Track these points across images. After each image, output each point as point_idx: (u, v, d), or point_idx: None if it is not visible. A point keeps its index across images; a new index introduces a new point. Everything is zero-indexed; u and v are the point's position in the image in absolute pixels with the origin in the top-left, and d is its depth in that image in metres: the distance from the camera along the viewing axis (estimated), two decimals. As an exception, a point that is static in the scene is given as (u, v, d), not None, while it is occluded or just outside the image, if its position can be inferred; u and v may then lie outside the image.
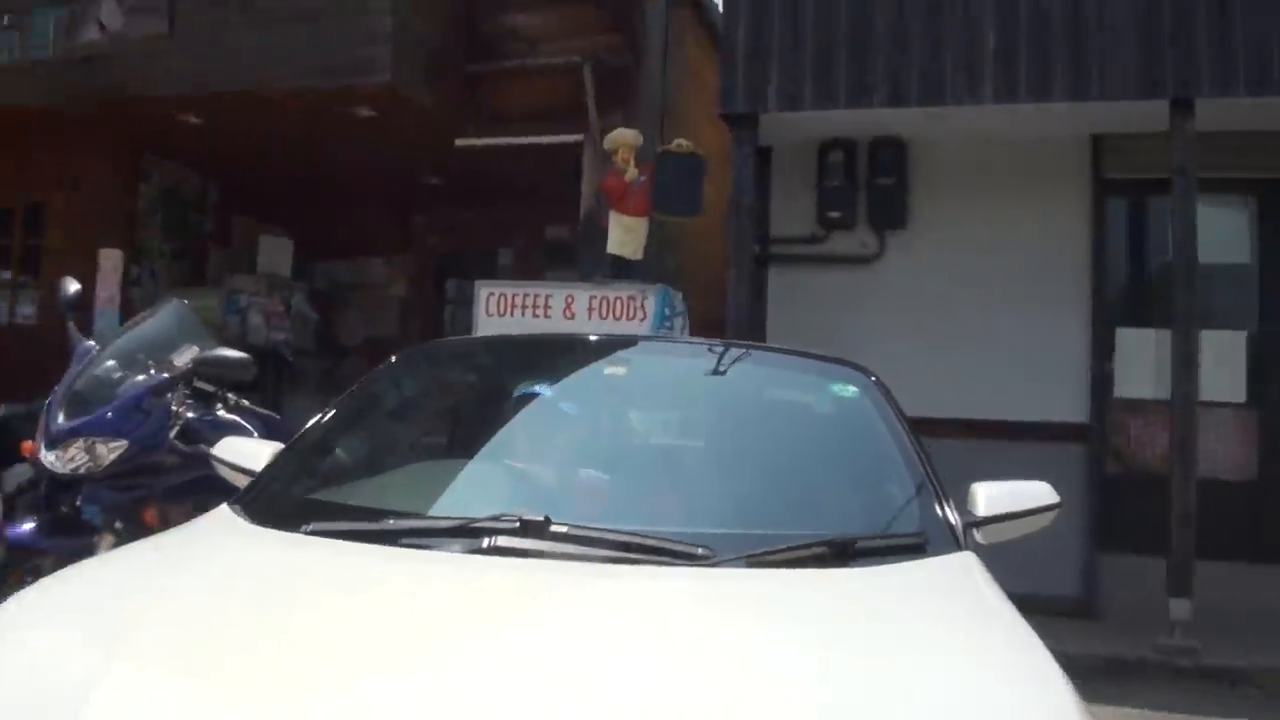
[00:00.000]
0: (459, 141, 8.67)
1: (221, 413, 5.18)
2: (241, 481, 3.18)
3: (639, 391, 3.42)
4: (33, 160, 9.98)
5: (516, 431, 3.28)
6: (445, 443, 3.42)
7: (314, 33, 7.94)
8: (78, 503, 4.94)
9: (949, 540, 2.68)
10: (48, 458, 4.72)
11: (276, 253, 11.02)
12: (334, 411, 3.32)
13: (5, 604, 2.28)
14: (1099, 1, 7.13)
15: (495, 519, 2.41)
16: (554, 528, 2.38)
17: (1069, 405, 8.26)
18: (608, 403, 3.41)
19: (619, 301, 7.25)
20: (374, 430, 3.53)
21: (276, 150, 9.73)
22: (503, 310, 7.48)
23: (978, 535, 2.81)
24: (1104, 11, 7.11)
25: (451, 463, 3.21)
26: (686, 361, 3.64)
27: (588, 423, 3.41)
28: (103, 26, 8.46)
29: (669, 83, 8.61)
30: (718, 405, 3.42)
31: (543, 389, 3.48)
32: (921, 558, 2.56)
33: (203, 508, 4.97)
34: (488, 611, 2.13)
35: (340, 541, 2.45)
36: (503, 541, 2.34)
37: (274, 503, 2.84)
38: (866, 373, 3.43)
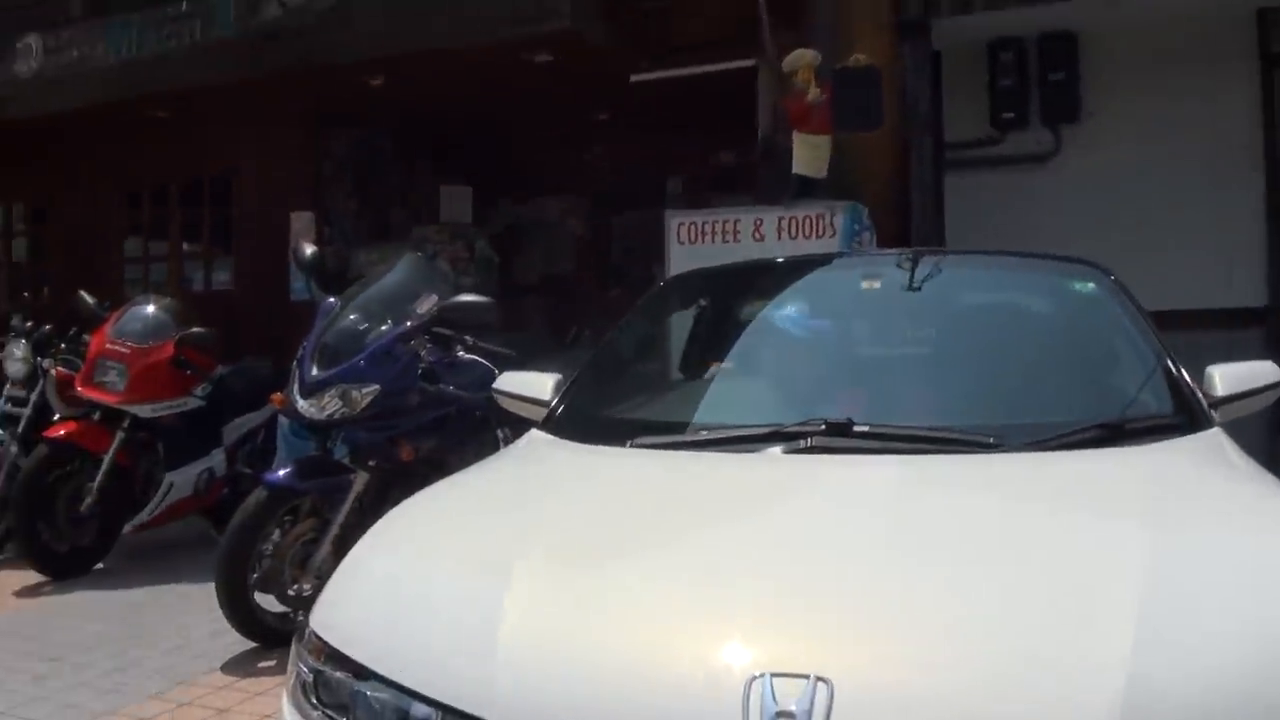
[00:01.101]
0: (634, 77, 8.83)
1: (461, 354, 5.56)
2: (524, 409, 3.48)
3: (897, 301, 3.66)
4: (219, 133, 10.42)
5: (791, 344, 3.58)
6: (721, 360, 3.68)
7: (491, -17, 8.15)
8: (327, 445, 5.41)
9: (1202, 419, 2.91)
10: (304, 406, 5.13)
11: (456, 200, 11.39)
12: (611, 339, 3.65)
13: (408, 503, 2.75)
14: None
15: (804, 424, 2.71)
16: (856, 427, 2.67)
17: (1246, 290, 8.26)
18: (870, 313, 3.68)
19: (808, 220, 7.37)
20: (651, 353, 3.85)
21: (452, 101, 9.98)
22: (693, 238, 7.67)
23: (1217, 414, 3.01)
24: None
25: (735, 378, 3.52)
26: (931, 270, 3.84)
27: (856, 332, 3.68)
28: (283, 3, 8.79)
29: (835, -2, 8.68)
30: (973, 308, 3.69)
31: (808, 305, 3.77)
32: (1181, 436, 2.79)
33: (447, 441, 5.40)
34: (820, 490, 2.51)
35: (667, 451, 2.78)
36: (816, 441, 2.64)
37: (585, 424, 3.14)
38: (1104, 270, 3.64)
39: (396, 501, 5.05)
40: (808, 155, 7.51)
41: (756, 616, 1.92)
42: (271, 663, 4.95)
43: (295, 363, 5.27)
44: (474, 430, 5.64)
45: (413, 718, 1.94)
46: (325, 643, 2.19)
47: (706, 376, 3.63)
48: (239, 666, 4.93)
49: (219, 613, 5.07)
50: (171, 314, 7.36)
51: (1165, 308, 7.61)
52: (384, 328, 5.26)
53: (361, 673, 2.06)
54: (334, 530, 5.08)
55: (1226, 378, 3.10)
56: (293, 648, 2.33)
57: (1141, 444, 2.71)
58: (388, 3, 8.54)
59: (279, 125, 10.25)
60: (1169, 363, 3.13)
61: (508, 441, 5.62)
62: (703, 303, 4.11)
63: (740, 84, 8.68)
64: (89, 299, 7.56)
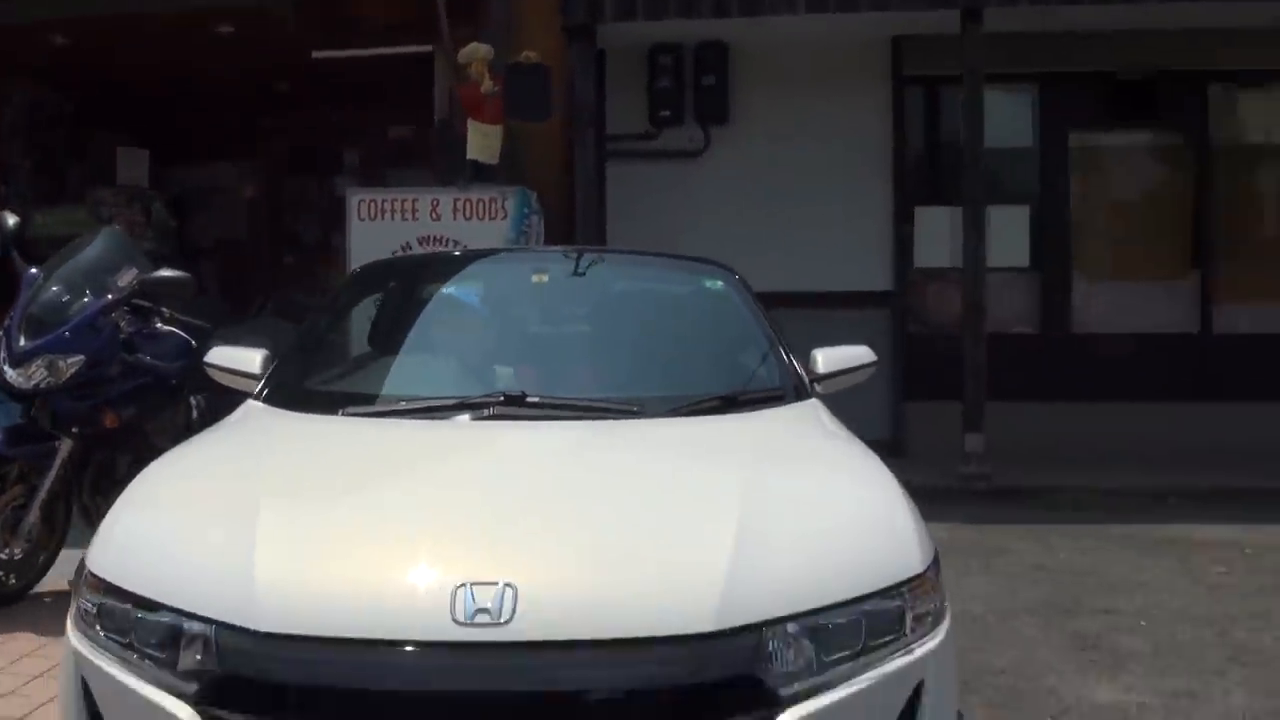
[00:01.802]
0: (316, 54, 9.16)
1: (160, 325, 5.84)
2: (234, 382, 4.00)
3: (560, 292, 4.37)
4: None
5: (472, 327, 4.23)
6: (413, 339, 4.26)
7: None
8: (31, 414, 5.57)
9: (802, 391, 3.74)
10: (12, 375, 5.30)
11: (133, 163, 11.33)
12: (313, 319, 4.16)
13: (156, 464, 3.22)
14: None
15: (487, 396, 3.39)
16: (529, 398, 3.35)
17: (876, 275, 9.48)
18: (538, 301, 4.37)
19: (481, 203, 7.98)
20: (349, 332, 4.38)
21: (133, 65, 10.01)
22: (373, 215, 8.11)
23: (818, 388, 3.84)
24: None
25: (424, 355, 4.10)
26: (591, 267, 4.60)
27: (528, 317, 4.34)
28: None
29: (510, -1, 9.29)
30: (622, 300, 4.43)
31: (485, 293, 4.41)
32: (783, 405, 3.62)
33: (145, 408, 5.66)
34: (502, 448, 3.20)
35: (373, 419, 3.37)
36: (496, 410, 3.31)
37: (297, 395, 3.67)
38: (730, 269, 4.45)
39: (100, 466, 5.36)
40: (481, 142, 8.13)
41: (459, 542, 2.54)
42: None
43: (1, 332, 5.43)
44: (170, 397, 5.90)
45: (188, 633, 2.41)
46: (102, 579, 2.62)
47: (399, 354, 4.18)
48: None
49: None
50: None
51: (804, 289, 8.75)
52: (86, 299, 5.45)
53: (140, 603, 2.51)
54: (41, 495, 5.32)
55: (828, 358, 3.93)
56: (73, 585, 2.76)
57: (753, 411, 3.51)
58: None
59: None
60: (779, 347, 3.94)
61: (199, 409, 5.96)
62: (393, 287, 4.67)
63: (417, 67, 9.15)
64: None
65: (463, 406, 3.39)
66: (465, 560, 2.42)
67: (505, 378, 3.70)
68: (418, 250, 7.79)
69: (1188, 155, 9.59)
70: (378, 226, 8.08)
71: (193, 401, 5.99)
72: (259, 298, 8.77)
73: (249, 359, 3.96)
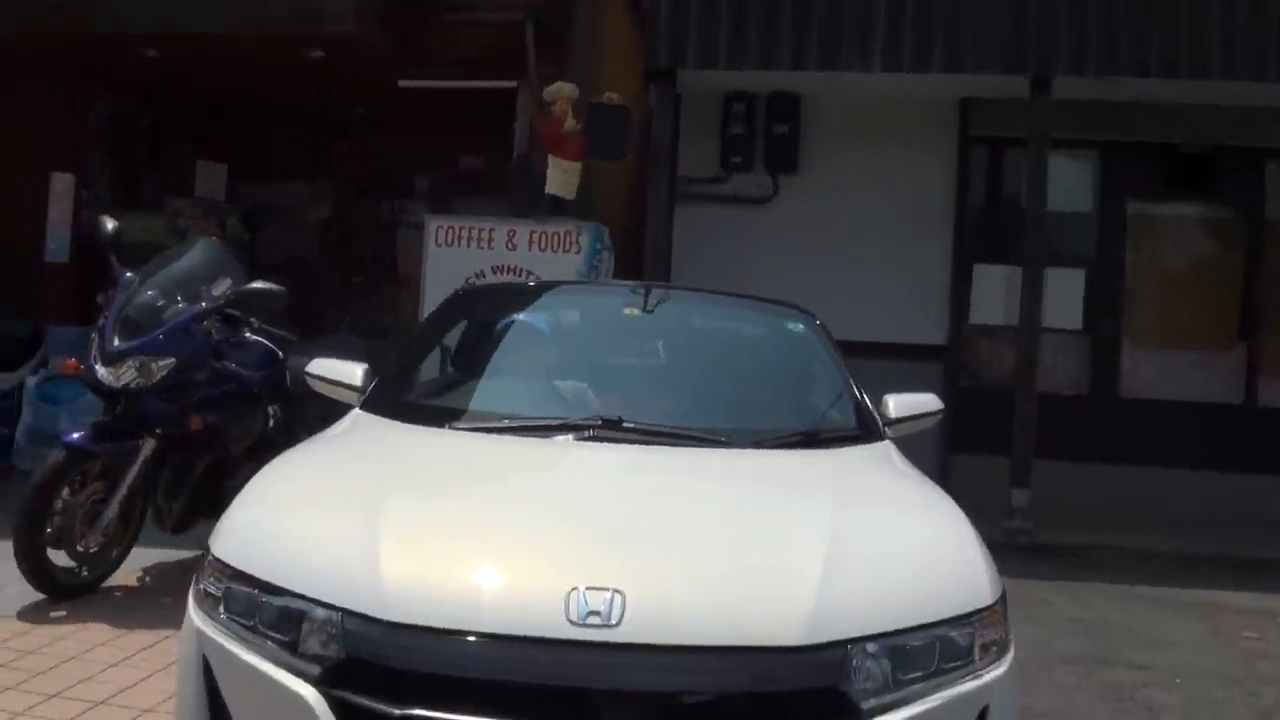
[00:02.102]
0: (403, 83, 9.43)
1: (248, 335, 6.11)
2: (336, 392, 4.25)
3: (652, 327, 4.62)
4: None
5: (570, 354, 4.53)
6: (508, 361, 4.54)
7: (280, -22, 8.51)
8: (116, 412, 5.79)
9: (876, 433, 4.02)
10: (104, 374, 5.55)
11: (211, 177, 11.65)
12: (413, 337, 4.43)
13: (277, 460, 3.48)
14: (974, -13, 8.31)
15: (587, 419, 3.66)
16: (625, 424, 3.62)
17: (932, 329, 9.71)
18: (632, 334, 4.62)
19: (556, 236, 8.22)
20: (449, 351, 4.65)
21: (218, 82, 10.29)
22: (450, 241, 8.37)
23: (889, 431, 4.09)
24: (979, -4, 8.32)
25: (521, 378, 4.38)
26: (679, 305, 4.90)
27: (622, 348, 4.60)
28: None
29: (594, 38, 9.56)
30: (710, 338, 4.72)
31: (577, 322, 4.71)
32: (859, 445, 3.89)
33: (227, 414, 5.91)
34: (603, 468, 3.47)
35: (482, 434, 3.65)
36: (594, 433, 3.58)
37: (402, 407, 3.95)
38: (811, 314, 4.71)
39: (176, 468, 5.62)
40: (560, 178, 8.39)
41: (572, 548, 2.78)
42: (63, 612, 5.32)
43: (95, 331, 5.68)
44: (250, 405, 6.14)
45: (311, 618, 2.63)
46: (228, 565, 2.85)
47: (497, 375, 4.44)
48: (34, 615, 5.27)
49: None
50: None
51: (862, 339, 8.94)
52: (180, 305, 5.73)
53: (265, 587, 2.73)
54: (122, 491, 5.55)
55: (899, 404, 4.26)
56: (199, 570, 2.99)
57: (830, 448, 3.80)
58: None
59: (44, 87, 10.19)
60: (855, 390, 4.23)
61: (276, 418, 6.22)
62: (490, 312, 4.94)
63: (498, 100, 9.43)
64: None
65: (565, 427, 3.65)
66: (578, 566, 2.65)
67: (599, 403, 3.96)
68: (491, 278, 8.05)
69: (1240, 229, 9.78)
70: (453, 253, 8.33)
71: (270, 410, 6.24)
72: (336, 314, 9.04)
73: (351, 371, 4.22)
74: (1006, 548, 7.81)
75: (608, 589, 2.54)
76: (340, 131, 12.29)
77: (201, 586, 2.91)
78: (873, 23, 8.42)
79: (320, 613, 2.63)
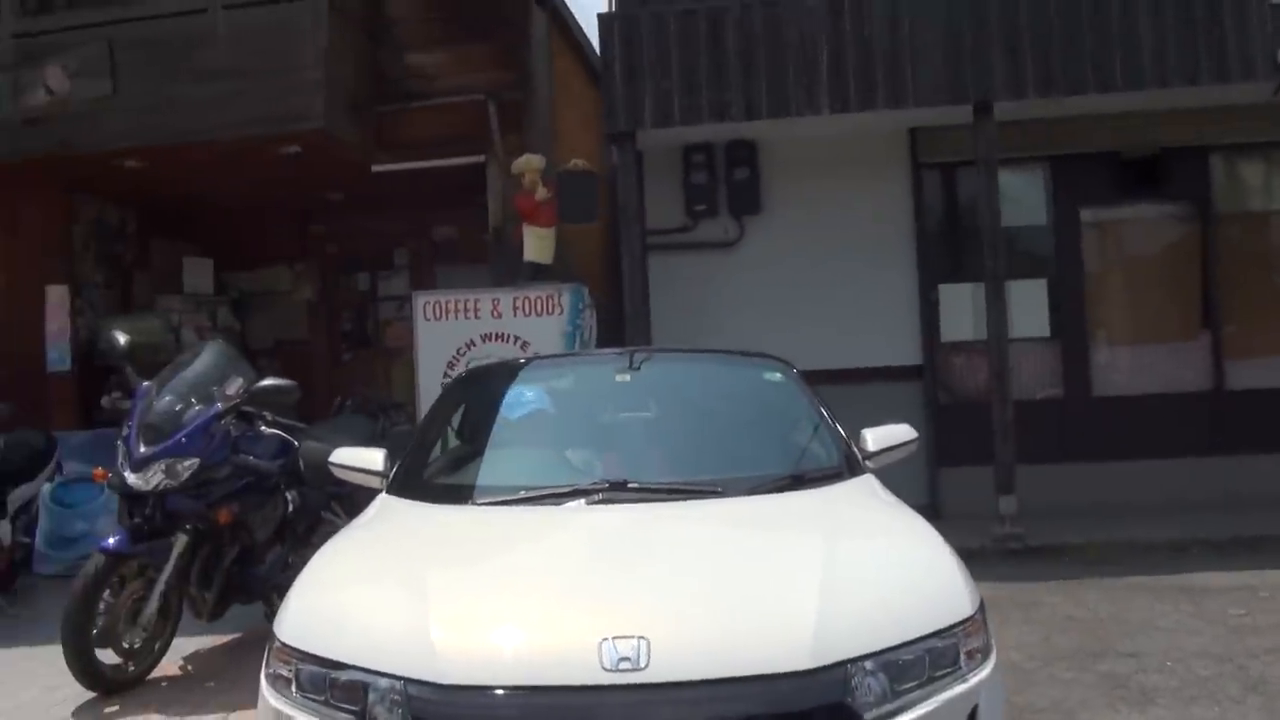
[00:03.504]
0: (375, 167, 9.87)
1: (263, 428, 6.43)
2: (359, 479, 4.60)
3: (641, 391, 4.99)
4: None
5: (572, 423, 4.91)
6: (516, 435, 4.90)
7: (251, 86, 8.90)
8: (147, 513, 6.04)
9: (857, 468, 4.37)
10: (134, 479, 5.87)
11: (199, 272, 12.06)
12: (425, 420, 4.79)
13: (325, 548, 3.83)
14: (911, 27, 8.76)
15: (595, 484, 4.05)
16: (630, 484, 4.01)
17: (905, 350, 10.10)
18: (625, 400, 4.98)
19: (539, 300, 8.58)
20: (460, 430, 5.02)
21: (197, 182, 10.67)
22: (439, 315, 8.71)
23: (869, 464, 4.45)
24: (914, 35, 8.76)
25: (531, 449, 4.73)
26: (665, 366, 5.31)
27: (614, 413, 4.97)
28: (50, 90, 9.20)
29: (552, 106, 9.98)
30: (696, 395, 5.06)
31: (575, 392, 5.08)
32: (842, 481, 4.24)
33: (249, 504, 6.23)
34: (614, 527, 3.83)
35: (502, 507, 4.01)
36: (603, 496, 3.95)
37: (424, 488, 4.34)
38: (787, 363, 5.10)
39: (206, 558, 5.96)
40: (537, 245, 8.80)
41: (599, 602, 3.14)
42: (115, 707, 5.62)
43: (121, 440, 5.99)
44: (270, 493, 6.47)
45: (375, 688, 2.95)
46: (294, 648, 3.17)
47: (507, 449, 4.80)
48: (89, 713, 5.56)
49: (45, 674, 5.79)
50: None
51: (839, 366, 9.34)
52: (197, 408, 6.06)
53: (329, 664, 3.06)
54: (160, 587, 5.86)
55: (876, 437, 4.58)
56: (265, 655, 3.32)
57: (817, 487, 4.14)
58: (150, 95, 9.17)
59: (29, 201, 10.54)
60: (835, 429, 4.58)
61: (295, 503, 6.54)
62: (492, 390, 5.28)
63: (468, 171, 9.83)
64: None
65: (576, 493, 4.01)
66: (607, 618, 2.99)
67: (604, 467, 4.34)
68: (481, 346, 8.41)
69: (1192, 223, 10.15)
70: (443, 326, 8.67)
71: (288, 497, 6.56)
72: (334, 396, 9.34)
73: (373, 458, 4.57)
74: (999, 554, 8.21)
75: (634, 636, 2.88)
76: (318, 215, 12.67)
77: (272, 670, 3.23)
78: (816, 70, 8.82)
79: (383, 683, 2.94)
